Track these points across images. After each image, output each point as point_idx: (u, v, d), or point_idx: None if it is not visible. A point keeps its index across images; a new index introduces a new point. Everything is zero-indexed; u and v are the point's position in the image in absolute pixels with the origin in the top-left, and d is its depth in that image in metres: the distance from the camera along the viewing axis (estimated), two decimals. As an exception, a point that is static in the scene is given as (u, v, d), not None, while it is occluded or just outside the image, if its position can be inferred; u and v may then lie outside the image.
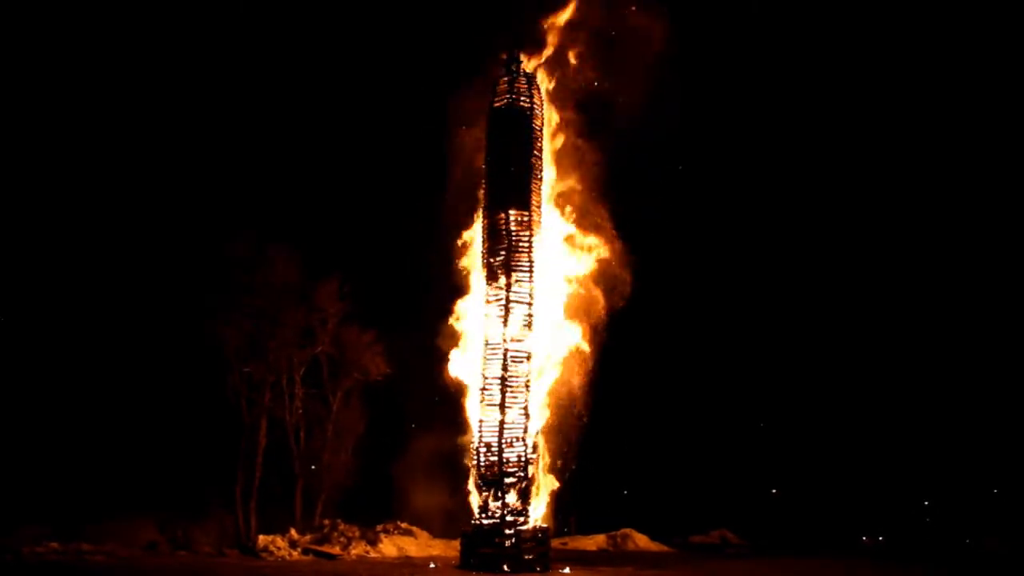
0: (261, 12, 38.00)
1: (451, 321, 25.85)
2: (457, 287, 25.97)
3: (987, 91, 44.26)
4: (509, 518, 22.75)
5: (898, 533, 39.59)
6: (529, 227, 23.86)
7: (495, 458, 23.06)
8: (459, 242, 26.20)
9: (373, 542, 28.69)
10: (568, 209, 26.23)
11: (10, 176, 33.41)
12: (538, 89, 24.88)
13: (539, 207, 24.34)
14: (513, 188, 24.00)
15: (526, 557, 22.55)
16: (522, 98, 24.37)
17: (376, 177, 37.47)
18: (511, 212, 23.81)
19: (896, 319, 44.08)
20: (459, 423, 25.21)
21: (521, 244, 23.76)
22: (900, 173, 45.07)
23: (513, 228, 23.74)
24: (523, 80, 24.56)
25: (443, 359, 25.81)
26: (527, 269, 23.69)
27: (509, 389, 23.10)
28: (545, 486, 24.47)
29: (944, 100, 44.74)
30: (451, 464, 26.91)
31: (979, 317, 43.09)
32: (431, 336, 26.67)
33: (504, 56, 24.92)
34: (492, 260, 23.87)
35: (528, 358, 23.42)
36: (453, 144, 26.75)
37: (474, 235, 25.48)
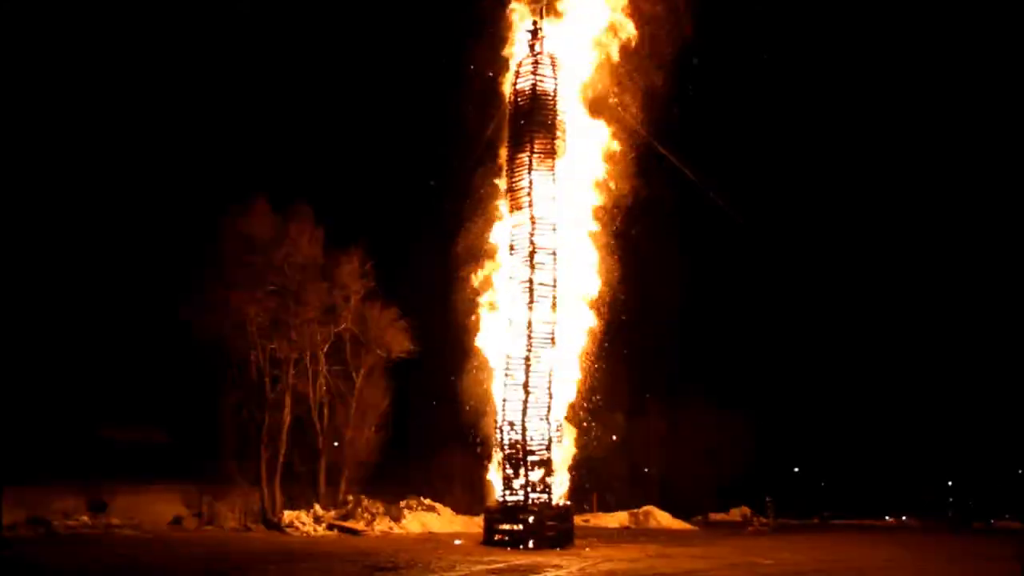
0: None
1: (475, 299, 25.86)
2: (482, 264, 25.92)
3: (987, 91, 43.88)
4: (532, 495, 22.87)
5: (922, 512, 39.52)
6: (553, 202, 23.83)
7: (518, 436, 23.14)
8: (483, 219, 26.12)
9: (397, 518, 28.90)
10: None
11: (40, 165, 33.63)
12: (560, 69, 24.61)
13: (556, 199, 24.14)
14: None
15: (549, 534, 22.67)
16: (545, 79, 24.22)
17: (400, 154, 37.51)
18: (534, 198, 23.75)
19: (924, 302, 43.93)
20: (483, 401, 25.27)
21: (544, 225, 23.69)
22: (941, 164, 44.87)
23: (537, 214, 23.68)
24: (545, 60, 24.38)
25: (467, 337, 25.86)
26: (551, 252, 23.64)
27: (533, 369, 23.12)
28: (568, 463, 24.53)
29: (945, 100, 44.37)
30: (475, 441, 27.01)
31: (1006, 304, 42.78)
32: (455, 313, 26.70)
33: (528, 35, 24.66)
34: (515, 242, 23.87)
35: (552, 339, 23.42)
36: (474, 119, 26.54)
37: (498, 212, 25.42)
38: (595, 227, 25.35)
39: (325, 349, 31.89)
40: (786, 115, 42.13)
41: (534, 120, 24.13)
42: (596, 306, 25.22)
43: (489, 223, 25.83)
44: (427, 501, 30.70)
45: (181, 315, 28.65)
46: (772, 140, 42.51)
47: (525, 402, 23.12)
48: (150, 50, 37.57)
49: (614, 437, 34.61)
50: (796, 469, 44.37)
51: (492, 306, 25.30)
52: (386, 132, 38.37)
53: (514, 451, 23.20)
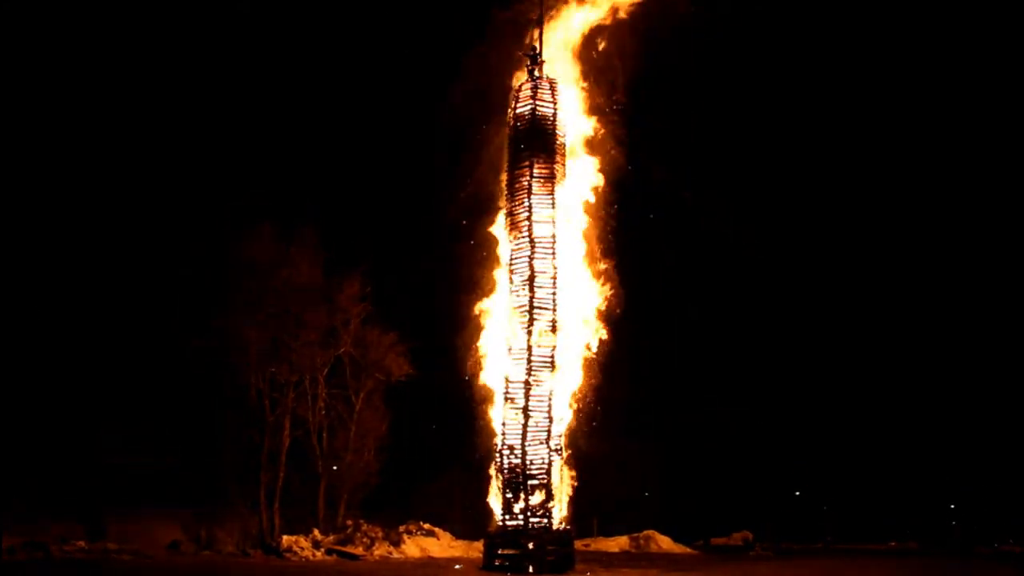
0: (285, 15, 38.26)
1: (474, 322, 25.77)
2: (481, 287, 25.85)
3: (987, 91, 44.07)
4: (532, 520, 22.70)
5: (926, 537, 39.32)
6: (553, 226, 23.81)
7: (518, 460, 23.01)
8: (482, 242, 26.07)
9: (396, 543, 28.75)
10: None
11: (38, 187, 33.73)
12: (559, 94, 24.66)
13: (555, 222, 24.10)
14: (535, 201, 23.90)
15: (549, 559, 22.49)
16: (545, 104, 24.24)
17: (398, 176, 37.64)
18: (533, 222, 23.73)
19: (929, 327, 43.91)
20: (483, 425, 25.15)
21: (544, 249, 23.67)
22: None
23: (537, 234, 23.66)
24: (546, 86, 24.42)
25: (466, 360, 25.76)
26: (551, 276, 23.58)
27: (532, 393, 23.03)
28: (568, 488, 24.36)
29: (945, 100, 44.55)
30: (474, 465, 26.87)
31: (1013, 331, 42.79)
32: (454, 337, 26.62)
33: (527, 60, 24.72)
34: (514, 266, 23.84)
35: (552, 362, 23.32)
36: (475, 142, 26.52)
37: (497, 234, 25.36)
38: (593, 248, 25.27)
39: (325, 372, 31.89)
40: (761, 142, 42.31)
41: (534, 144, 24.11)
42: (596, 329, 25.09)
43: (489, 246, 25.78)
44: (426, 525, 30.53)
45: (192, 344, 28.70)
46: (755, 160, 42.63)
47: (525, 426, 22.97)
48: (154, 71, 37.86)
49: (614, 460, 34.46)
50: (797, 493, 44.14)
51: (492, 330, 25.20)
52: (388, 155, 38.52)
53: (514, 475, 23.04)
